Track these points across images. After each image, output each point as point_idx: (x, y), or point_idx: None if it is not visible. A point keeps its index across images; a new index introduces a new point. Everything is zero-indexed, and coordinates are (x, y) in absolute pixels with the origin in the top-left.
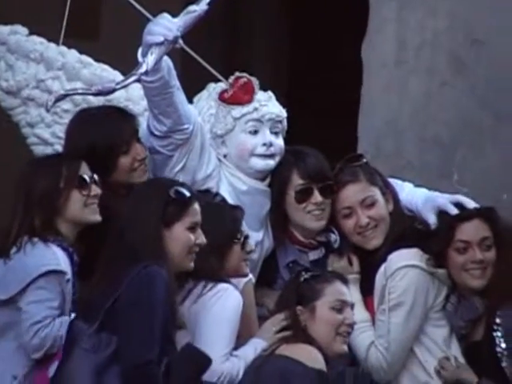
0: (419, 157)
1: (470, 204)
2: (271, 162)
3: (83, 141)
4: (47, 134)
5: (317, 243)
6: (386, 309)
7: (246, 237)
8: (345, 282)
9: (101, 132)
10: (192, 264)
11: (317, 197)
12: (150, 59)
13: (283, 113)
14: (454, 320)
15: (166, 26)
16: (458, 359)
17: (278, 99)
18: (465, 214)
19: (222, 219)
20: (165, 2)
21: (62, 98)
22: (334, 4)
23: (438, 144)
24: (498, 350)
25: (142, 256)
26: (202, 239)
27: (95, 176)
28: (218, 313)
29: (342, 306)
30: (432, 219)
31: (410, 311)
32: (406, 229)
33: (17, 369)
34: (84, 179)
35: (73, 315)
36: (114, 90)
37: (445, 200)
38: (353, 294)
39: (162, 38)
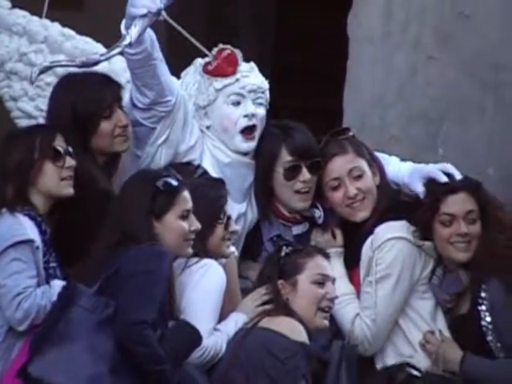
0: (404, 131)
1: (456, 173)
2: (253, 144)
3: (65, 104)
4: (30, 107)
5: (301, 218)
6: (373, 281)
7: (229, 217)
8: (326, 256)
9: (83, 95)
10: (190, 250)
11: (305, 174)
12: (134, 31)
13: (265, 84)
14: (439, 293)
15: None
16: (443, 333)
17: (262, 67)
18: (450, 187)
19: (203, 200)
20: None
21: (45, 69)
22: None
23: (424, 118)
24: (483, 323)
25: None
26: (196, 225)
27: (69, 148)
28: (204, 288)
29: (323, 279)
30: (420, 188)
31: (397, 283)
32: (392, 202)
33: None
34: (58, 151)
35: (58, 282)
36: (98, 62)
37: (432, 168)
38: (337, 267)
39: (145, 10)
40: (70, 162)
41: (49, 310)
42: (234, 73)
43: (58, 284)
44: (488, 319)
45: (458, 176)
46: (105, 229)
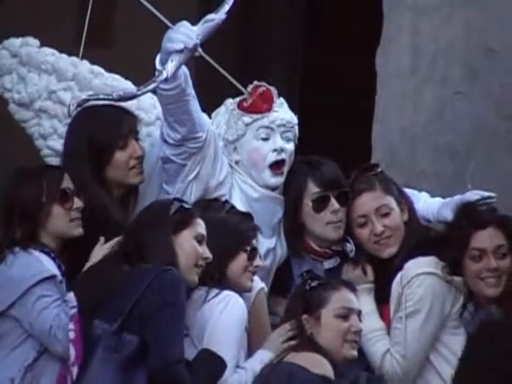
0: (433, 165)
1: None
2: (281, 179)
3: (82, 135)
4: (60, 145)
5: (332, 252)
6: (403, 316)
7: (255, 249)
8: (352, 289)
9: (99, 126)
10: (197, 278)
11: (334, 204)
12: (170, 66)
13: (294, 119)
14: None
15: (186, 34)
16: None
17: (291, 102)
18: (480, 222)
19: (231, 229)
20: (179, 7)
21: (83, 103)
22: (349, 12)
23: (452, 153)
24: None
25: (155, 260)
26: (208, 254)
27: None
28: (226, 322)
29: (347, 313)
30: (451, 217)
31: (427, 319)
32: (421, 238)
33: (12, 372)
34: (66, 192)
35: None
36: (135, 96)
37: (460, 197)
38: (367, 303)
39: (182, 46)
40: (77, 203)
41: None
42: (269, 110)
43: (71, 296)
44: None
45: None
46: (115, 252)
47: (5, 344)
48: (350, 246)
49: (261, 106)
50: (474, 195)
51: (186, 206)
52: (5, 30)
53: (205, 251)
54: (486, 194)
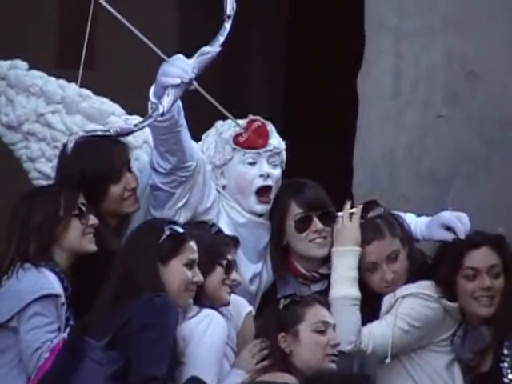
0: (414, 190)
1: (468, 225)
2: (267, 207)
3: (74, 169)
4: (48, 168)
5: (319, 276)
6: (394, 315)
7: (232, 264)
8: (325, 304)
9: (91, 159)
10: (190, 301)
11: (317, 224)
12: (167, 101)
13: (282, 145)
14: (462, 352)
15: (182, 68)
16: None
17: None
18: (474, 241)
19: (201, 243)
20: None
21: (80, 139)
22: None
23: (433, 177)
24: (506, 381)
25: (142, 290)
26: (199, 277)
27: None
28: (209, 344)
29: (324, 327)
30: (440, 234)
31: (413, 331)
32: (420, 264)
33: None
34: (82, 209)
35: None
36: (131, 132)
37: (449, 216)
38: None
39: (178, 81)
40: (93, 220)
41: (57, 361)
42: (264, 145)
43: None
44: (510, 376)
45: (467, 229)
46: (109, 277)
47: (6, 360)
48: None
49: (256, 141)
50: (459, 226)
51: (178, 230)
52: None
53: (195, 275)
54: (468, 225)
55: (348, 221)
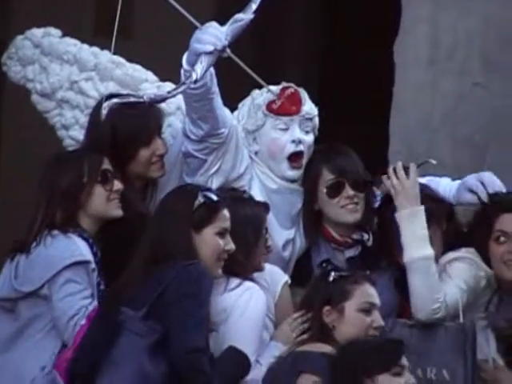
0: (451, 156)
1: (497, 182)
2: (299, 172)
3: (106, 128)
4: (81, 135)
5: (352, 241)
6: (449, 277)
7: (266, 231)
8: (373, 283)
9: (124, 121)
10: (220, 271)
11: (348, 190)
12: (200, 68)
13: (314, 110)
14: (497, 320)
15: (215, 35)
16: (497, 361)
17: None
18: (506, 205)
19: (244, 218)
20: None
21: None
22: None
23: (470, 144)
24: None
25: (176, 257)
26: (230, 246)
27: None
28: (251, 317)
29: (370, 308)
30: (469, 197)
31: (468, 288)
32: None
33: (44, 359)
34: (106, 174)
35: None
36: (165, 98)
37: (472, 179)
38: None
39: (211, 48)
40: (117, 185)
41: (94, 332)
42: (297, 112)
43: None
44: None
45: (498, 186)
46: (142, 243)
47: (37, 327)
48: (366, 236)
49: (290, 108)
50: (482, 189)
51: (212, 197)
52: (26, 21)
53: (227, 243)
54: (496, 182)
55: (404, 178)
